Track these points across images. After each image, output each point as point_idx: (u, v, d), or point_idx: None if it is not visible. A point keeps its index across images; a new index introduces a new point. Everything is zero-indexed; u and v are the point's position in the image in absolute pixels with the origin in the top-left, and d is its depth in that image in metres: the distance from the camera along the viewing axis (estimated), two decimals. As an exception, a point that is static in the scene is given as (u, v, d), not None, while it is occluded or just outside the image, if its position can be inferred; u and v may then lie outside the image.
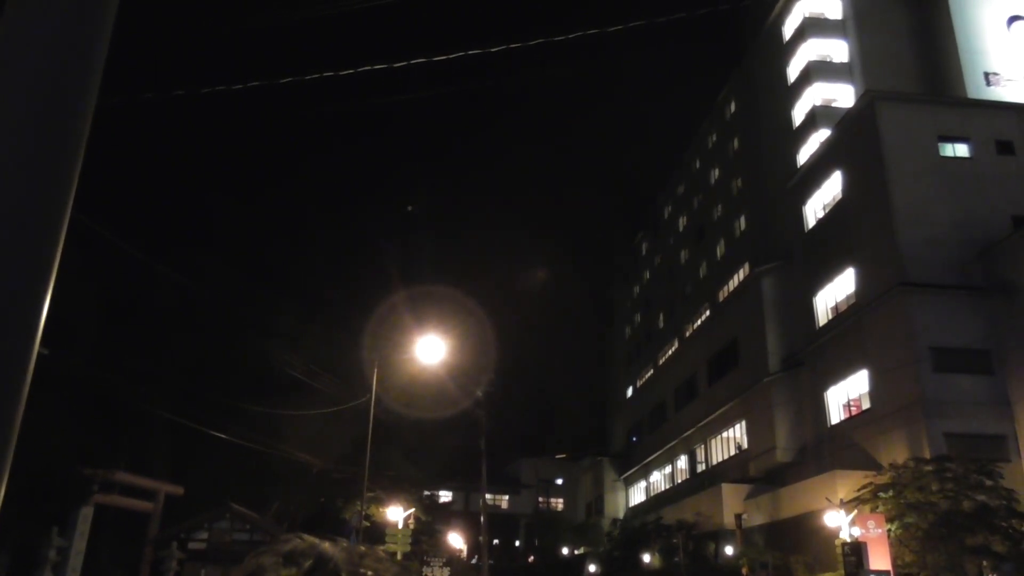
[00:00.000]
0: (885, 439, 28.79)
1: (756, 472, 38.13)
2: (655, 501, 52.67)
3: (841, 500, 24.18)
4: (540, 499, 71.43)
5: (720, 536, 35.54)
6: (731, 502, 35.54)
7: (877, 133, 31.90)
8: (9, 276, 1.00)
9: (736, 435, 42.41)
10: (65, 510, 23.33)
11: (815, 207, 37.26)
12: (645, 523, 44.61)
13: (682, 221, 60.26)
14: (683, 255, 58.62)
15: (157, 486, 27.51)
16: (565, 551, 61.60)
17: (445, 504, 55.90)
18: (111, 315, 26.18)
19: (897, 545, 22.08)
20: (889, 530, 21.97)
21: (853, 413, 32.34)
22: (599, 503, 64.25)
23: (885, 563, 21.11)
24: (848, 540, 22.11)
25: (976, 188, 30.99)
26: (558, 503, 73.29)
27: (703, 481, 43.94)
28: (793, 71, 43.47)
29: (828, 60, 42.16)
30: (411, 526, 29.74)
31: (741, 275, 46.09)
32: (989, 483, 21.87)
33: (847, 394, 32.99)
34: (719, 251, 51.22)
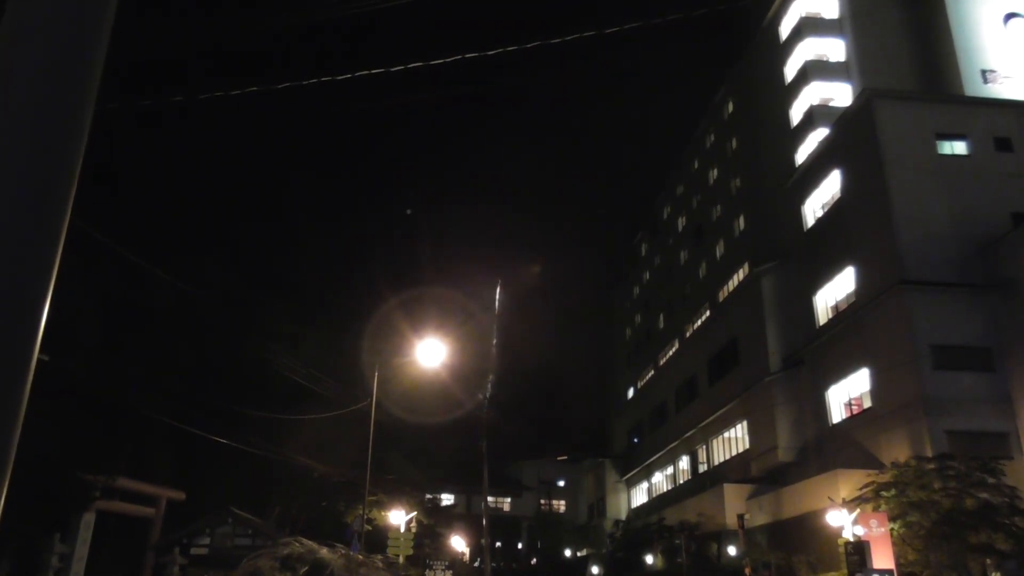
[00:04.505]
0: (887, 437, 28.78)
1: (758, 472, 38.10)
2: (657, 502, 52.63)
3: (843, 499, 24.15)
4: (542, 501, 71.40)
5: (723, 536, 35.50)
6: (733, 502, 35.52)
7: (875, 131, 31.92)
8: (8, 280, 1.00)
9: (737, 435, 42.38)
10: (67, 516, 23.32)
11: (814, 206, 37.28)
12: (647, 524, 44.59)
13: (681, 221, 60.28)
14: (683, 255, 58.63)
15: (159, 492, 27.50)
16: (567, 553, 61.58)
17: (447, 507, 55.86)
18: (112, 321, 26.17)
19: (900, 544, 22.05)
20: (892, 529, 21.94)
21: (854, 412, 32.32)
22: (601, 504, 64.21)
23: (888, 562, 21.08)
24: (851, 539, 22.08)
25: (975, 185, 31.00)
26: (560, 505, 73.26)
27: (705, 481, 43.91)
28: (790, 70, 43.49)
29: (825, 59, 42.19)
30: (413, 529, 29.71)
31: (741, 275, 46.09)
32: (992, 481, 21.85)
33: (848, 393, 32.98)
34: (718, 251, 51.23)
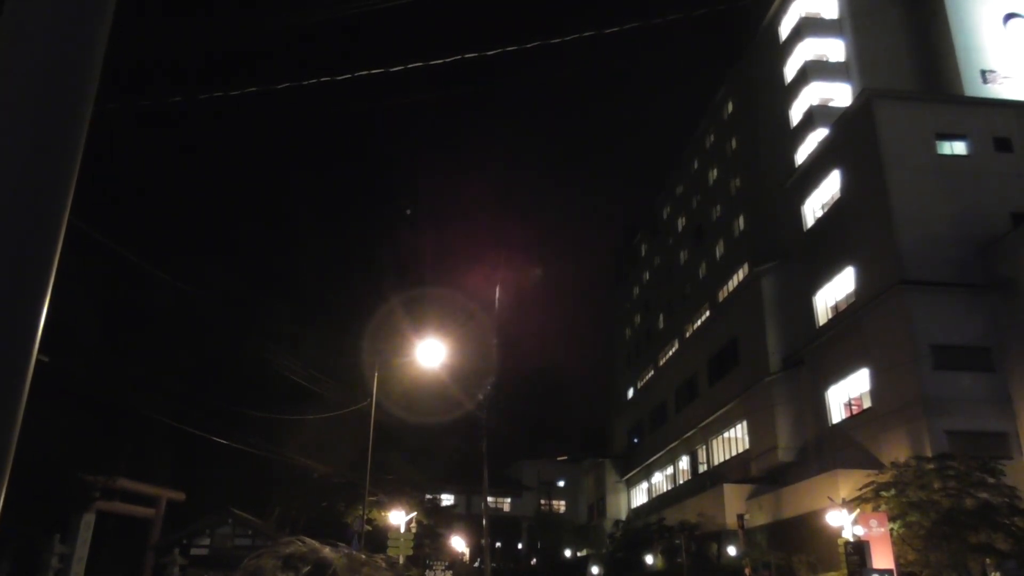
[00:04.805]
0: (886, 437, 28.78)
1: (758, 472, 38.10)
2: (657, 502, 52.64)
3: (843, 499, 24.15)
4: (542, 501, 71.39)
5: (722, 537, 35.50)
6: (733, 502, 35.52)
7: (875, 132, 31.92)
8: (7, 280, 1.00)
9: (737, 435, 42.39)
10: (67, 517, 23.32)
11: (814, 206, 37.28)
12: (647, 524, 44.59)
13: (681, 221, 60.29)
14: (682, 255, 58.63)
15: (159, 492, 27.50)
16: (567, 553, 61.56)
17: (447, 507, 55.85)
18: (112, 322, 26.17)
19: (900, 544, 22.05)
20: (892, 529, 21.94)
21: (854, 412, 32.33)
22: (601, 505, 64.22)
23: (888, 562, 21.08)
24: (851, 539, 22.09)
25: (974, 185, 31.01)
26: (560, 505, 73.26)
27: (705, 482, 43.91)
28: (790, 71, 43.51)
29: (825, 59, 42.21)
30: (413, 530, 29.71)
31: (740, 275, 46.10)
32: (991, 480, 21.84)
33: (848, 393, 32.98)
34: (718, 251, 51.24)
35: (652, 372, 61.63)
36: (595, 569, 50.52)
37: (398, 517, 28.50)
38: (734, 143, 51.00)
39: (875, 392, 30.58)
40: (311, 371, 25.76)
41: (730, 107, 52.77)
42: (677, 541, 37.59)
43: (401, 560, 25.26)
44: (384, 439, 30.54)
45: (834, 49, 42.32)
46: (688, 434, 48.72)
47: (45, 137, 1.05)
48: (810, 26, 42.68)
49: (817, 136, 38.59)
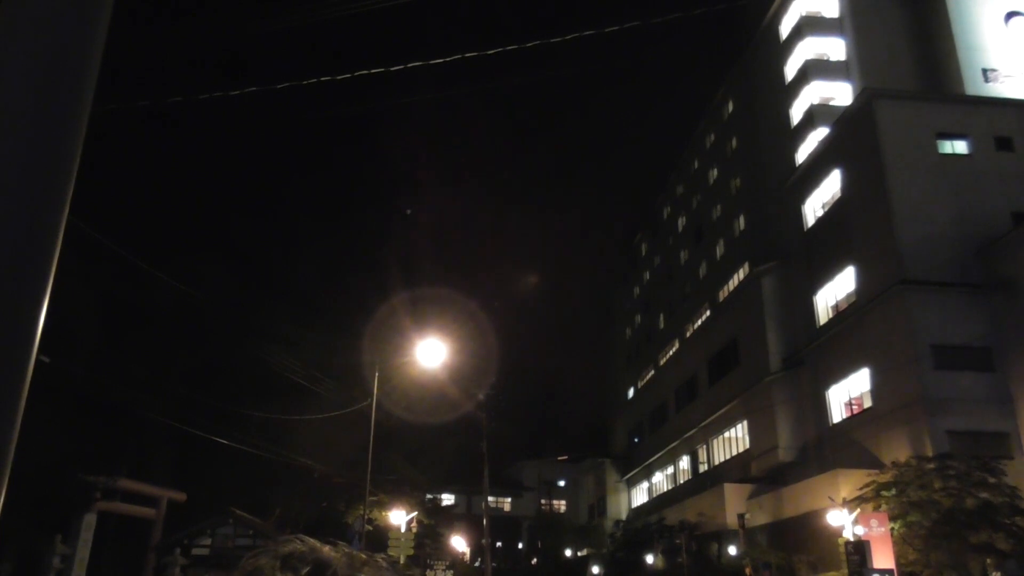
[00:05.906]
0: (887, 437, 28.77)
1: (758, 472, 38.09)
2: (658, 502, 52.65)
3: (844, 499, 24.15)
4: (542, 501, 71.37)
5: (723, 536, 35.50)
6: (734, 502, 35.53)
7: (875, 131, 31.90)
8: (6, 281, 1.00)
9: (738, 435, 42.39)
10: (68, 517, 23.33)
11: (814, 206, 37.27)
12: (648, 524, 44.61)
13: (681, 221, 60.26)
14: (682, 255, 58.61)
15: (160, 492, 27.52)
16: (568, 553, 61.55)
17: (448, 507, 55.86)
18: (113, 322, 26.18)
19: (900, 543, 22.05)
20: (892, 528, 21.95)
21: (855, 412, 32.32)
22: (601, 504, 64.23)
23: (888, 562, 21.08)
24: (851, 539, 22.08)
25: (975, 185, 30.98)
26: (560, 505, 73.25)
27: (705, 481, 43.90)
28: (790, 70, 43.47)
29: (825, 58, 42.17)
30: (414, 530, 29.72)
31: (741, 275, 46.08)
32: (992, 480, 21.84)
33: (848, 393, 32.97)
34: (718, 251, 51.22)
35: (652, 372, 61.62)
36: (595, 569, 50.54)
37: (399, 517, 28.52)
38: (734, 143, 50.96)
39: (876, 392, 30.58)
40: (311, 371, 25.76)
41: (730, 107, 52.73)
42: (677, 541, 37.60)
43: (402, 560, 25.27)
44: (384, 439, 30.54)
45: (835, 48, 42.28)
46: (688, 434, 48.71)
47: (43, 137, 1.05)
48: (810, 25, 42.64)
49: (817, 135, 38.55)
